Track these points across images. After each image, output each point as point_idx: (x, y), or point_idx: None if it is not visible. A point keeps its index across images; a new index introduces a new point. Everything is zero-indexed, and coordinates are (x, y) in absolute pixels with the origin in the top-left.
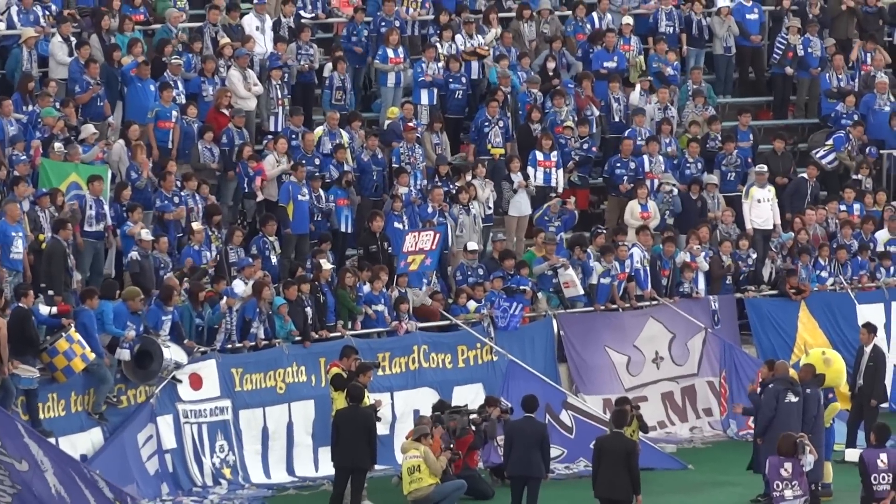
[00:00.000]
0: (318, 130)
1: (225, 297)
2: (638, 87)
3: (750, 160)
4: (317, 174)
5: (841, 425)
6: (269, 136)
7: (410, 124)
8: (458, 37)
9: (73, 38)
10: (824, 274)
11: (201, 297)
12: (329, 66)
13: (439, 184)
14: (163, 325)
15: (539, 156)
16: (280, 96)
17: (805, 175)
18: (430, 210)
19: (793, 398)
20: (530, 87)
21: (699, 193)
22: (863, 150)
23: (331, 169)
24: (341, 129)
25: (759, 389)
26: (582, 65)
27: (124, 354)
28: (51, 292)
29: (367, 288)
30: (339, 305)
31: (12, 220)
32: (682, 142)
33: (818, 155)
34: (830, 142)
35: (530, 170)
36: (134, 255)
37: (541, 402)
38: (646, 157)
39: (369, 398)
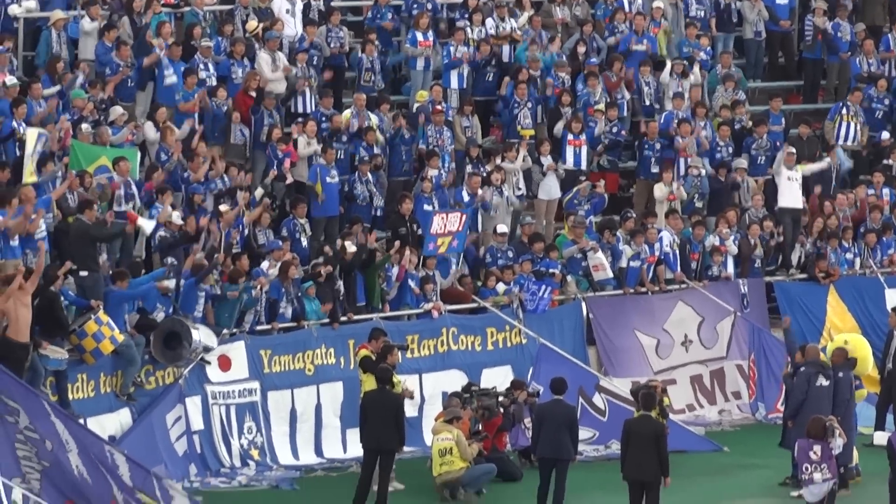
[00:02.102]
0: (347, 113)
1: (255, 279)
2: (668, 67)
3: (778, 144)
4: (366, 158)
5: (868, 409)
6: (299, 119)
7: (439, 107)
8: (488, 20)
9: (101, 20)
10: (850, 256)
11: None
12: (358, 48)
13: (473, 169)
14: (198, 303)
15: (569, 135)
16: (309, 78)
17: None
18: (464, 194)
19: (824, 382)
20: (559, 70)
21: (726, 177)
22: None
23: (360, 150)
24: (369, 112)
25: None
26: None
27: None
28: (83, 273)
29: (395, 269)
30: (366, 286)
31: (29, 202)
32: (714, 124)
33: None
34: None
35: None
36: (162, 232)
37: (574, 384)
38: (679, 139)
39: (401, 381)
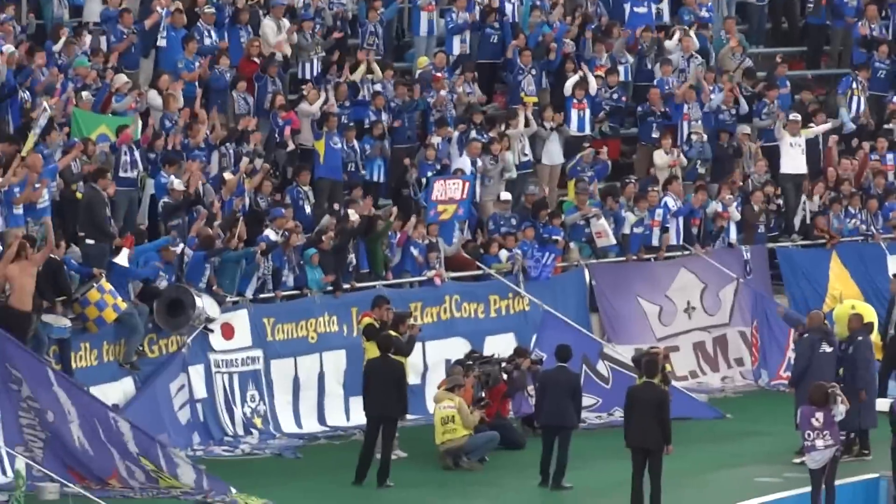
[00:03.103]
0: (361, 69)
1: (258, 246)
2: (677, 35)
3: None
4: (350, 124)
5: None
6: (304, 86)
7: (439, 74)
8: None
9: None
10: (854, 223)
11: (236, 247)
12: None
13: (475, 136)
14: (204, 274)
15: (574, 99)
16: (317, 44)
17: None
18: (466, 160)
19: (827, 348)
20: (564, 35)
21: (729, 142)
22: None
23: (370, 115)
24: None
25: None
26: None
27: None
28: (91, 241)
29: (398, 236)
30: (370, 254)
31: (34, 170)
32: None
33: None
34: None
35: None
36: (166, 199)
37: (577, 352)
38: (685, 106)
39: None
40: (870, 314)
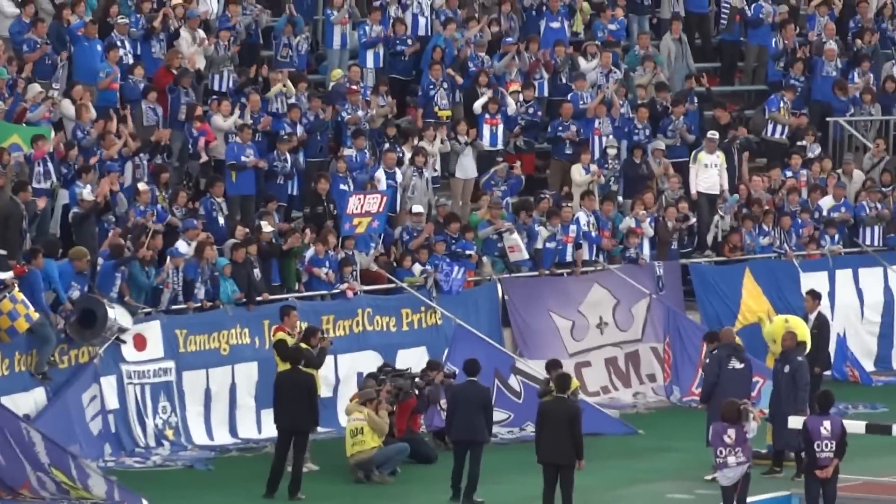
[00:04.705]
0: (275, 88)
1: (169, 258)
2: (594, 57)
3: (692, 127)
4: (284, 136)
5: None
6: (215, 97)
7: (354, 87)
8: None
9: None
10: (768, 240)
11: (146, 257)
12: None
13: (389, 147)
14: (115, 283)
15: (486, 115)
16: (227, 55)
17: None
18: (380, 173)
19: (737, 364)
20: (478, 50)
21: (642, 158)
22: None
23: (285, 127)
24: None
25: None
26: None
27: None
28: (3, 252)
29: (311, 251)
30: (282, 268)
31: None
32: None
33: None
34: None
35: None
36: (75, 208)
37: (489, 366)
38: (596, 121)
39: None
40: (803, 332)
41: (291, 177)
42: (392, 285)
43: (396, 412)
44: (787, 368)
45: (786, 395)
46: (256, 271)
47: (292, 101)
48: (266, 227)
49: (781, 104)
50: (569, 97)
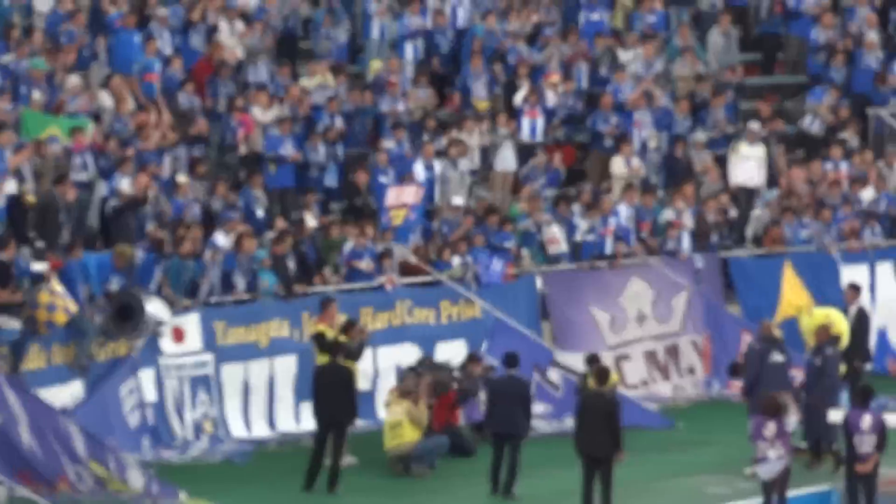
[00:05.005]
0: (316, 78)
1: (208, 251)
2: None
3: (730, 117)
4: (321, 128)
5: None
6: (254, 88)
7: (393, 78)
8: None
9: None
10: (808, 233)
11: (187, 250)
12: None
13: (428, 139)
14: (154, 277)
15: (526, 107)
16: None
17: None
18: (418, 166)
19: (778, 358)
20: (517, 41)
21: (684, 151)
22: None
23: (324, 118)
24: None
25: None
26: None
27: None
28: (39, 244)
29: (350, 243)
30: (322, 260)
31: None
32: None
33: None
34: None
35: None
36: (114, 202)
37: (529, 359)
38: (636, 113)
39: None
40: (840, 326)
41: (325, 169)
42: (431, 278)
43: (435, 405)
44: (818, 361)
45: (817, 388)
46: (291, 264)
47: (330, 93)
48: (310, 220)
49: (825, 97)
50: (608, 89)
